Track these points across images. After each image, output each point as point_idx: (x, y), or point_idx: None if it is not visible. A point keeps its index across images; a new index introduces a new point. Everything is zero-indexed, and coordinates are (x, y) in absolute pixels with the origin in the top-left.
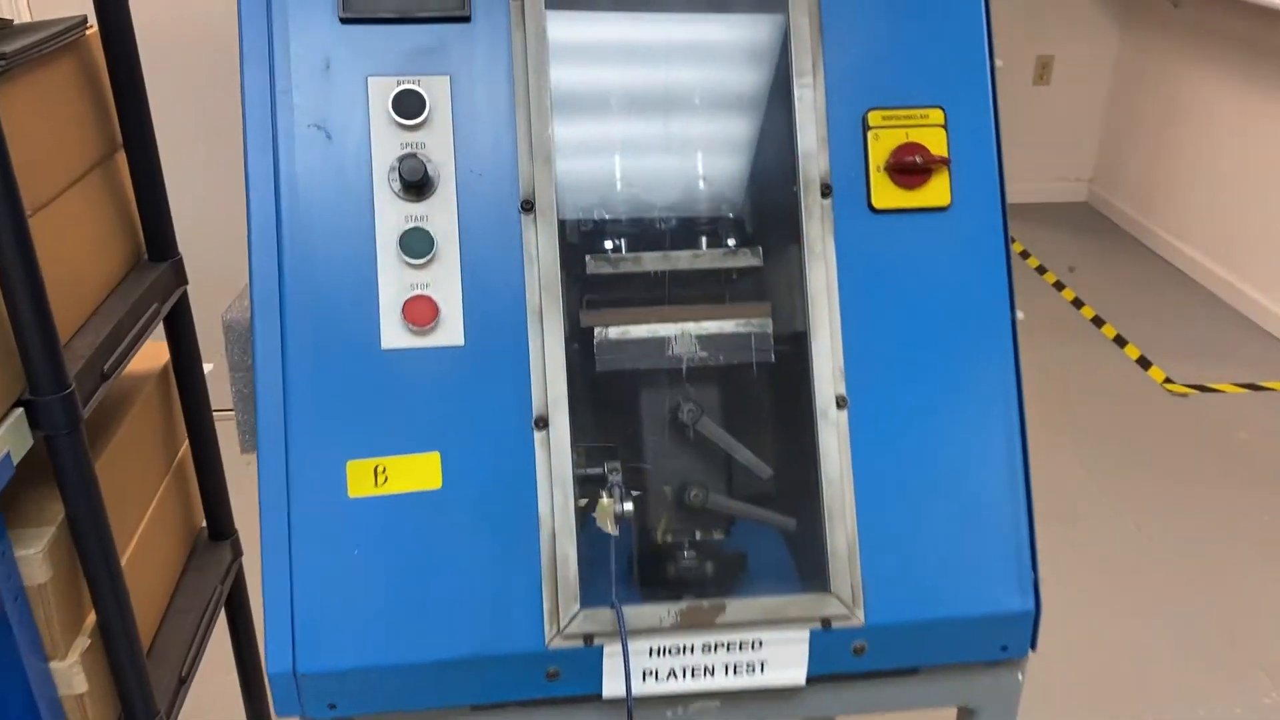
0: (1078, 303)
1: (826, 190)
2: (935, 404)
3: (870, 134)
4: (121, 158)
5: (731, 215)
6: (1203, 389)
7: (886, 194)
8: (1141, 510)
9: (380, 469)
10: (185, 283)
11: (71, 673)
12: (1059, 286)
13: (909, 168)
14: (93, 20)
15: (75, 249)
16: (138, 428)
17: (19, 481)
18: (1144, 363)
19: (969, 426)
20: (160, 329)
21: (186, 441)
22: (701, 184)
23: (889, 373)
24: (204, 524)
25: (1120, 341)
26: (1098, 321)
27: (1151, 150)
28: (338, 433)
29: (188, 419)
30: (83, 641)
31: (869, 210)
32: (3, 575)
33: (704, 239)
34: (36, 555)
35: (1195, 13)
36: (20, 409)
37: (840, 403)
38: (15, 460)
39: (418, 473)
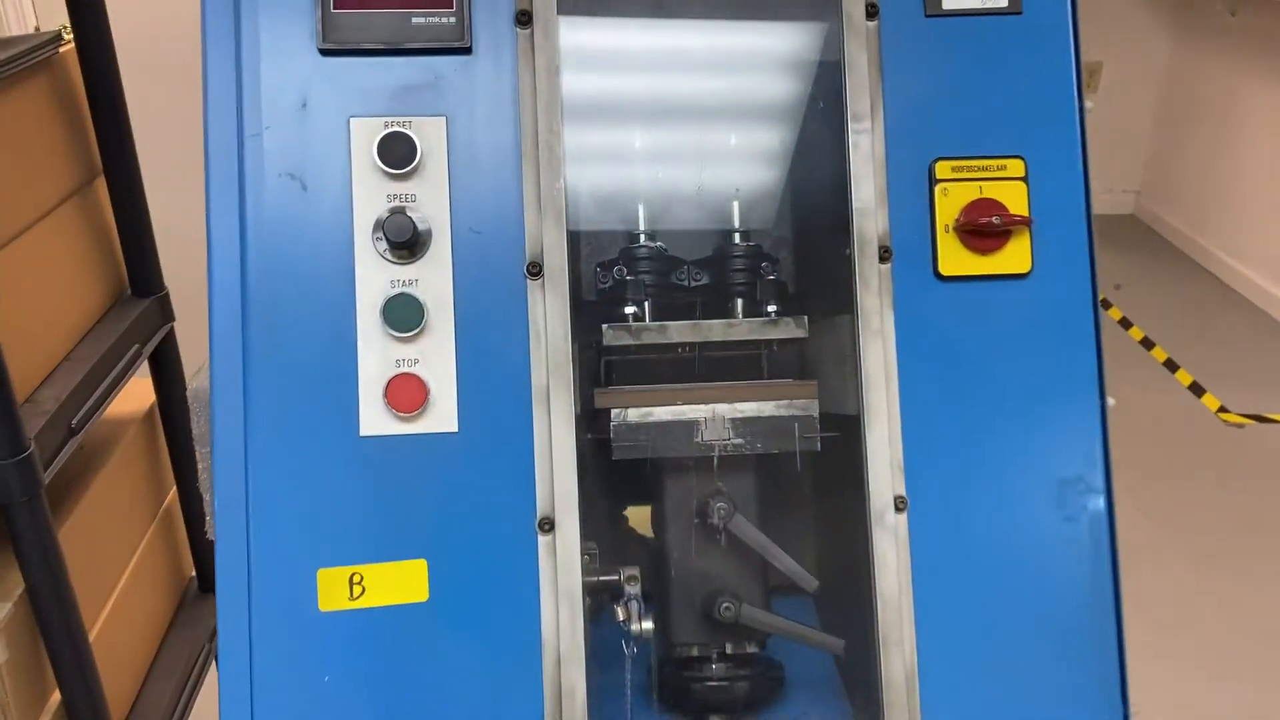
0: (1125, 323)
1: (885, 254)
2: (1011, 508)
3: (937, 188)
4: (101, 185)
5: (773, 277)
6: (1260, 419)
7: (956, 259)
8: (1196, 553)
9: (356, 578)
10: (171, 319)
11: None
12: (1105, 305)
13: (983, 229)
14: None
15: (44, 289)
16: (117, 477)
17: None
18: (1196, 389)
19: (1051, 535)
20: (146, 367)
21: (175, 487)
22: (737, 240)
23: (957, 470)
24: (193, 574)
25: (1171, 366)
26: (1147, 344)
27: (1204, 162)
28: (307, 535)
29: (175, 463)
30: None
31: (935, 277)
32: None
33: (739, 304)
34: None
35: (1254, 20)
36: None
37: (899, 504)
38: None
39: (400, 583)
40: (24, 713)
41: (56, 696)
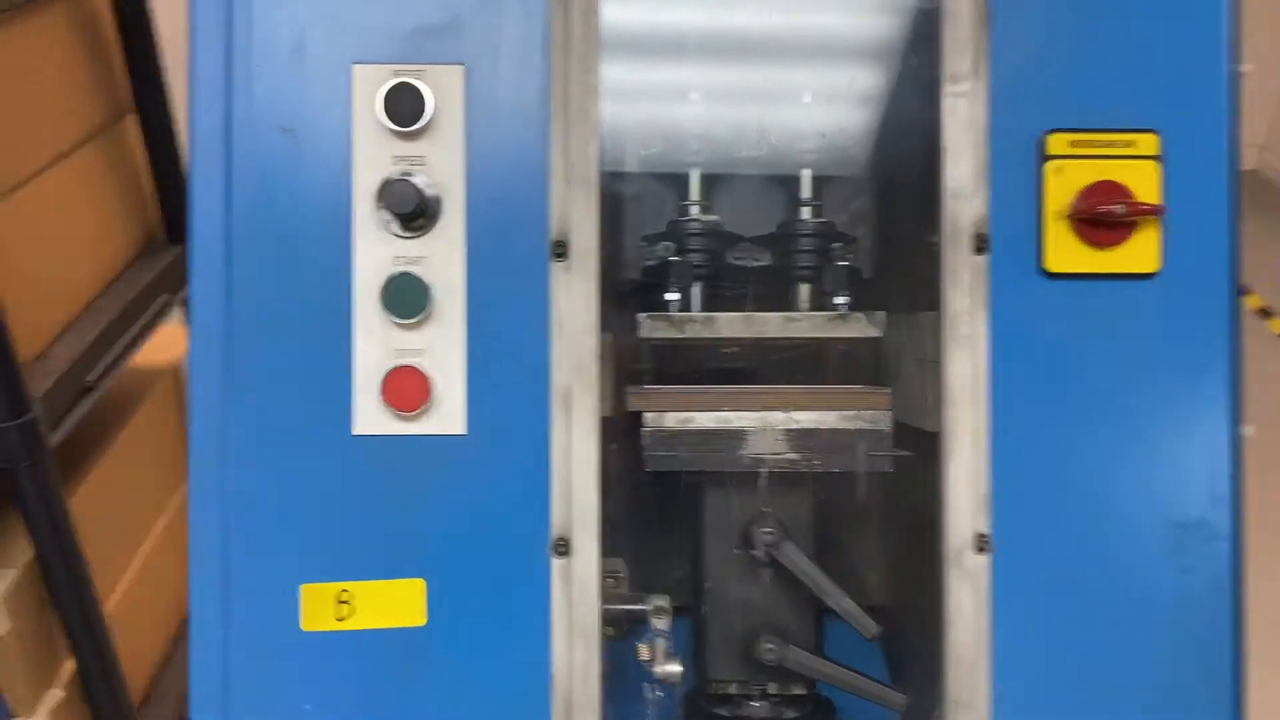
0: (1265, 312)
1: (982, 243)
2: (1116, 555)
3: (1049, 166)
4: (131, 123)
5: (845, 261)
6: None
7: (1067, 252)
8: None
9: (344, 596)
10: None
11: None
12: (1242, 291)
13: (1103, 218)
14: None
15: (61, 236)
16: (144, 434)
17: None
18: None
19: (1162, 589)
20: (181, 316)
21: None
22: (806, 214)
23: (1054, 506)
24: None
25: None
26: (1264, 313)
27: None
28: (290, 544)
29: None
30: (54, 695)
31: (1040, 274)
32: None
33: (804, 291)
34: None
35: None
36: None
37: (981, 544)
38: None
39: (394, 604)
40: (33, 684)
41: (71, 665)
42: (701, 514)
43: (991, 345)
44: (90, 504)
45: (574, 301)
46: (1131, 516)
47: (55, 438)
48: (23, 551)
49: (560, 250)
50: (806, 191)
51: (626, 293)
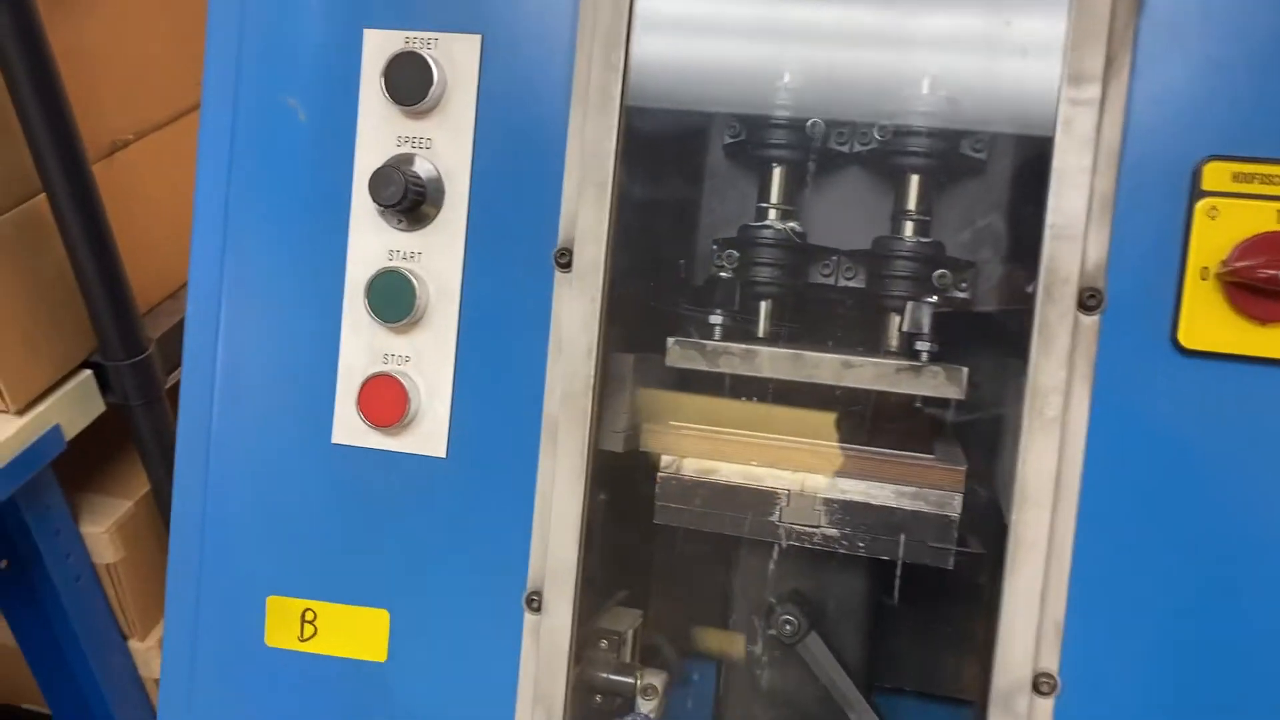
0: None
1: (1093, 300)
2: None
3: (1201, 205)
4: None
5: (933, 298)
6: None
7: (1213, 323)
8: None
9: (309, 615)
10: None
11: (151, 655)
12: None
13: (1271, 284)
14: None
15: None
16: None
17: (104, 443)
18: None
19: None
20: None
21: None
22: (909, 230)
23: (1150, 650)
24: None
25: None
26: None
27: None
28: (262, 552)
29: None
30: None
31: (1172, 347)
32: (59, 556)
33: (893, 327)
34: (103, 534)
35: None
36: (87, 371)
37: (1043, 685)
38: (70, 433)
39: (357, 633)
40: (144, 611)
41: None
42: (727, 574)
43: (1092, 431)
44: None
45: (574, 320)
46: (1257, 677)
47: (170, 380)
48: (139, 486)
49: (564, 259)
50: (911, 200)
51: (688, 302)
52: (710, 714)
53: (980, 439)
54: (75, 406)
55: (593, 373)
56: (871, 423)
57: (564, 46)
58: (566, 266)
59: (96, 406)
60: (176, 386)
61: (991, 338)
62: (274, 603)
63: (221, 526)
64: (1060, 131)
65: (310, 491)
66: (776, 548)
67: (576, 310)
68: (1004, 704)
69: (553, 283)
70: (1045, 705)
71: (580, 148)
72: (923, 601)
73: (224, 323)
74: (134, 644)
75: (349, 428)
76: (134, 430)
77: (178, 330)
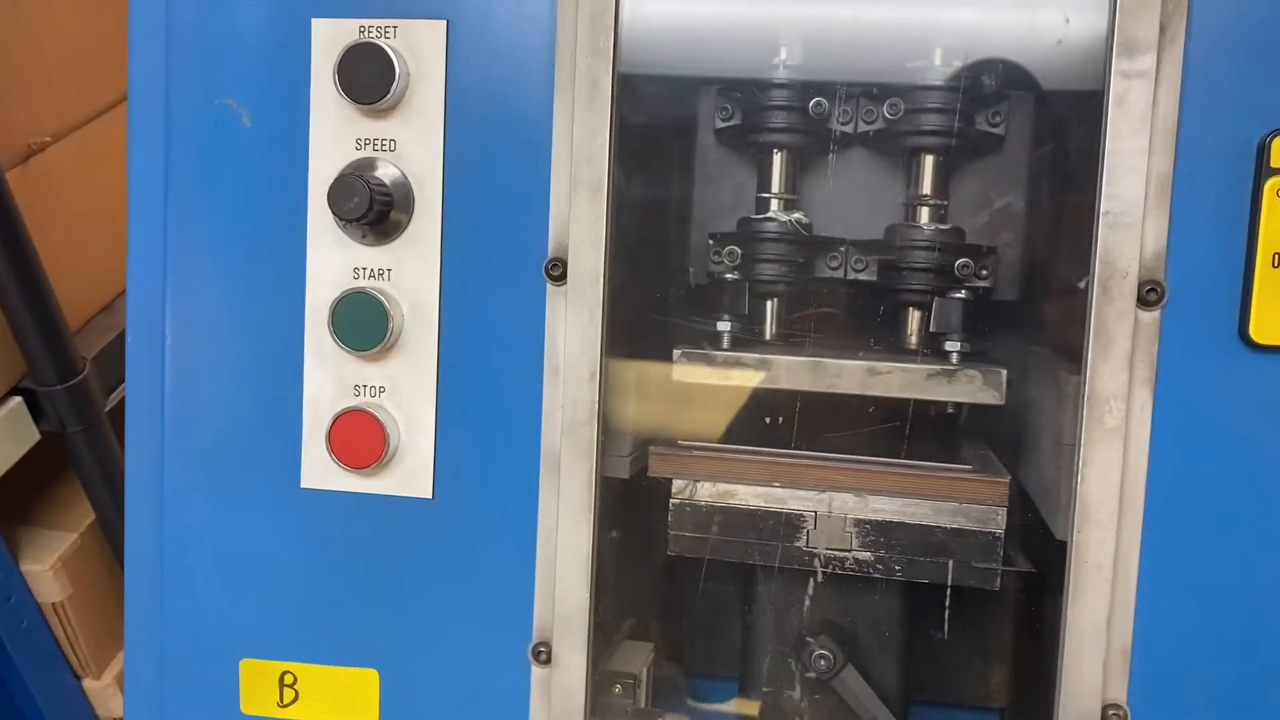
0: None
1: (1154, 294)
2: None
3: (1270, 185)
4: None
5: (971, 286)
6: None
7: None
8: None
9: (289, 678)
10: None
11: (109, 694)
12: None
13: None
14: None
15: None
16: None
17: (42, 473)
18: None
19: None
20: None
21: None
22: (925, 217)
23: (1226, 678)
24: None
25: None
26: None
27: None
28: (231, 612)
29: None
30: (122, 658)
31: (1242, 342)
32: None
33: (912, 323)
34: (47, 571)
35: None
36: (18, 398)
37: (1113, 717)
38: (2, 467)
39: (343, 695)
40: (97, 647)
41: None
42: (750, 607)
43: (1155, 439)
44: None
45: (573, 339)
46: None
47: (112, 400)
48: (83, 516)
49: (557, 271)
50: (926, 183)
51: (690, 303)
52: None
53: (1005, 437)
54: (6, 437)
55: (597, 398)
56: (885, 425)
57: (542, 30)
58: (560, 279)
59: (30, 435)
60: (120, 406)
61: (1021, 328)
62: (248, 665)
63: (184, 584)
64: (1112, 108)
65: (281, 542)
66: (804, 574)
67: (575, 328)
68: None
69: (545, 297)
70: None
71: (569, 145)
72: (954, 615)
73: (170, 356)
74: (89, 683)
75: (320, 470)
76: (74, 458)
77: (116, 346)
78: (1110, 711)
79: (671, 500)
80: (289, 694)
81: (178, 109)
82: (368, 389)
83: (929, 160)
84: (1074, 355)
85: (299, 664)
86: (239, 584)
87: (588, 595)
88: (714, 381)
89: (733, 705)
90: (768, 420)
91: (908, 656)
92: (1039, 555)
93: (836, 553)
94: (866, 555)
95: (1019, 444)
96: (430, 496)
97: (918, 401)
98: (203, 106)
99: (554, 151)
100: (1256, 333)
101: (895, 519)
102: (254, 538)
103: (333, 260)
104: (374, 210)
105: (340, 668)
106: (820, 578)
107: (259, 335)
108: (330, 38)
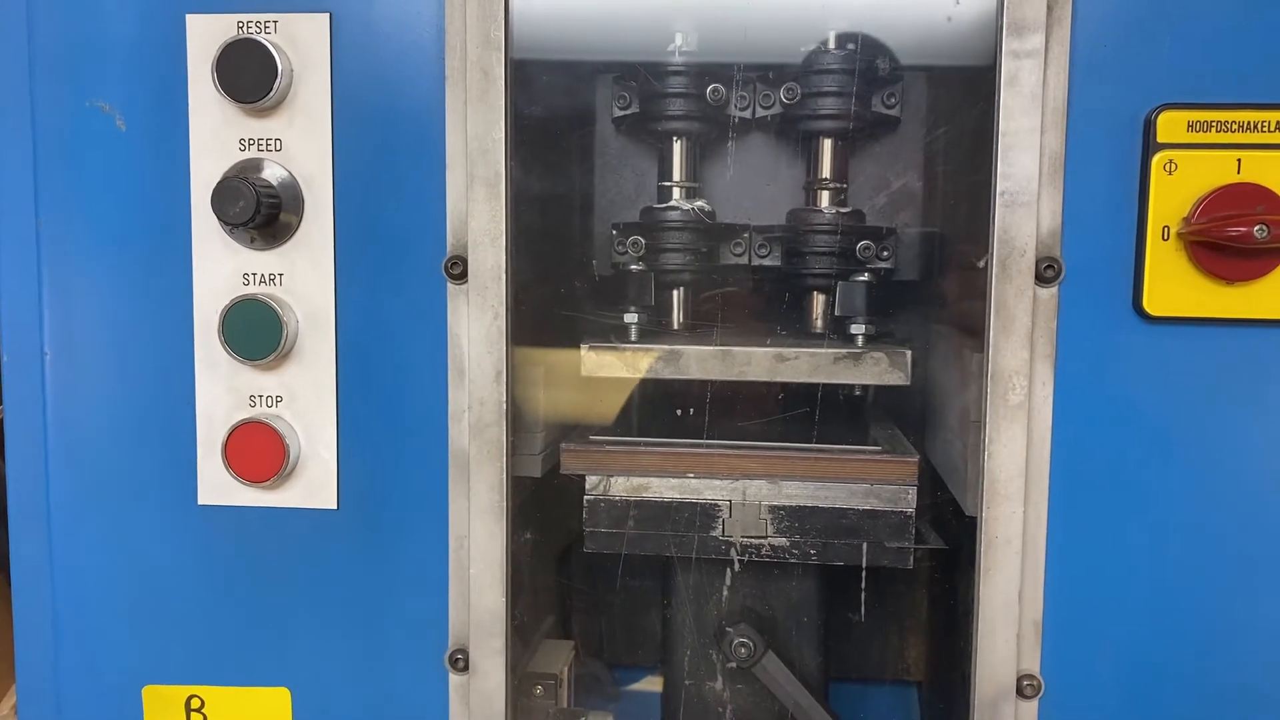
0: None
1: (1051, 270)
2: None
3: (1158, 159)
4: None
5: (873, 269)
6: None
7: (1179, 286)
8: None
9: (195, 703)
10: None
11: None
12: None
13: (1236, 241)
14: None
15: None
16: None
17: None
18: None
19: None
20: None
21: None
22: (825, 201)
23: (1133, 641)
24: None
25: None
26: None
27: None
28: (130, 637)
29: None
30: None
31: (1137, 316)
32: None
33: (817, 307)
34: None
35: None
36: None
37: (1027, 688)
38: None
39: (254, 716)
40: None
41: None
42: (669, 600)
43: (1057, 414)
44: None
45: (476, 339)
46: (1244, 660)
47: None
48: None
49: (457, 269)
50: (825, 167)
51: (594, 300)
52: None
53: (911, 415)
54: None
55: (504, 398)
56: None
57: (430, 21)
58: (460, 277)
59: None
60: None
61: (923, 308)
62: (151, 693)
63: (77, 611)
64: (1004, 88)
65: (179, 562)
66: (721, 564)
67: (478, 327)
68: (990, 712)
69: (445, 297)
70: (1029, 708)
71: (463, 139)
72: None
73: (50, 374)
74: None
75: (217, 486)
76: None
77: None
78: (1024, 682)
79: (585, 497)
80: (196, 718)
81: (44, 113)
82: (264, 399)
83: (827, 144)
84: (976, 333)
85: (206, 687)
86: (136, 608)
87: (503, 600)
88: (623, 374)
89: (654, 685)
90: (678, 411)
91: (826, 638)
92: (949, 532)
93: (752, 540)
94: (782, 541)
95: (925, 422)
96: (335, 507)
97: (825, 385)
98: (72, 109)
99: (448, 146)
100: (1150, 305)
101: (809, 503)
102: (150, 559)
103: (220, 267)
104: (261, 213)
105: (250, 688)
106: (737, 566)
107: (145, 348)
108: (206, 34)
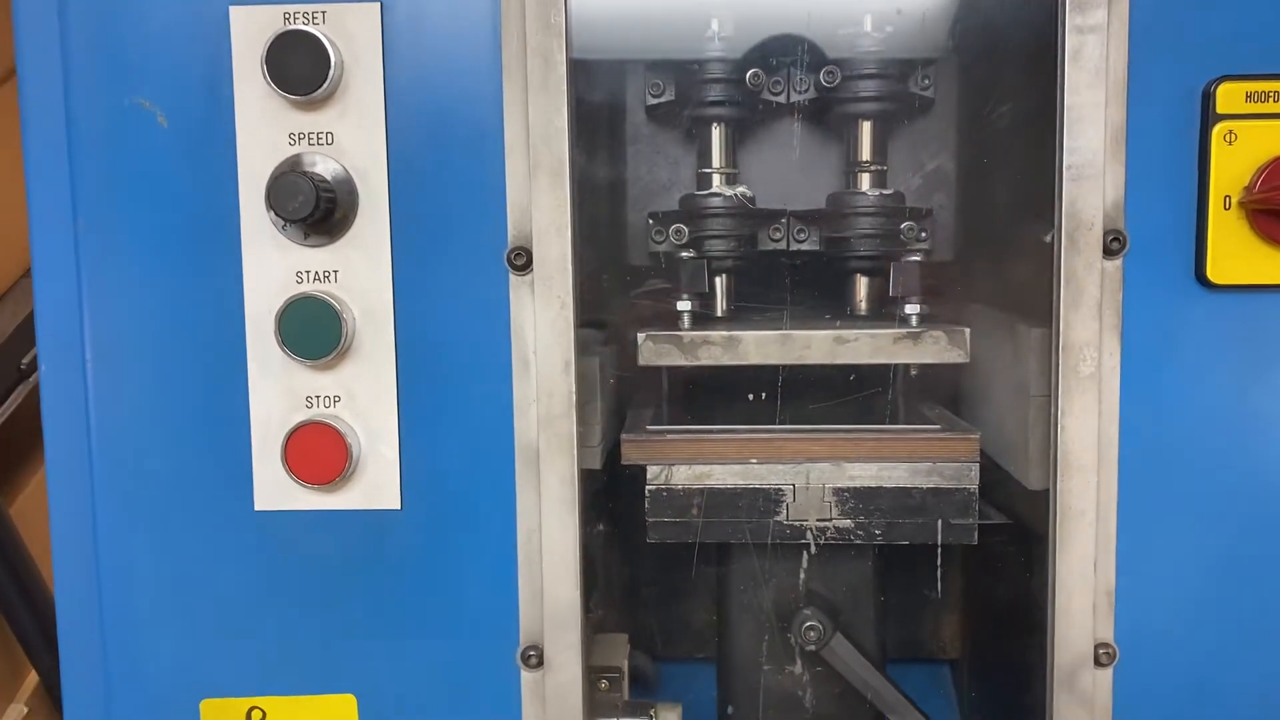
0: None
1: (1116, 243)
2: None
3: (1218, 130)
4: None
5: (921, 247)
6: None
7: (1241, 255)
8: None
9: (257, 715)
10: None
11: None
12: None
13: None
14: None
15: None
16: None
17: None
18: None
19: None
20: None
21: None
22: (866, 183)
23: (1208, 608)
24: None
25: None
26: None
27: None
28: (185, 650)
29: None
30: (17, 710)
31: (1200, 285)
32: None
33: (861, 290)
34: None
35: None
36: None
37: (1102, 657)
38: None
39: None
40: None
41: (34, 678)
42: (727, 588)
43: (1125, 384)
44: (37, 504)
45: (542, 329)
46: None
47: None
48: None
49: (521, 260)
50: (865, 150)
51: (628, 292)
52: None
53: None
54: None
55: (573, 388)
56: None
57: (484, 8)
58: (524, 268)
59: None
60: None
61: (958, 288)
62: (210, 706)
63: (128, 628)
64: (1069, 62)
65: (235, 570)
66: (785, 549)
67: (544, 318)
68: (1068, 682)
69: (508, 288)
70: (1105, 676)
71: (523, 128)
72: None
73: (92, 382)
74: None
75: (275, 490)
76: None
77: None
78: (1100, 650)
79: (647, 487)
80: None
81: (81, 111)
82: (321, 399)
83: (866, 126)
84: (1030, 310)
85: (267, 698)
86: (191, 620)
87: (577, 593)
88: (681, 362)
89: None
90: (736, 398)
91: (883, 619)
92: (1004, 508)
93: (818, 523)
94: (847, 523)
95: (958, 401)
96: (399, 507)
97: (864, 370)
98: (111, 107)
99: (506, 135)
100: (1214, 274)
101: (872, 484)
102: (204, 568)
103: (272, 265)
104: (320, 208)
105: (313, 696)
106: (814, 549)
107: (193, 351)
108: (251, 26)
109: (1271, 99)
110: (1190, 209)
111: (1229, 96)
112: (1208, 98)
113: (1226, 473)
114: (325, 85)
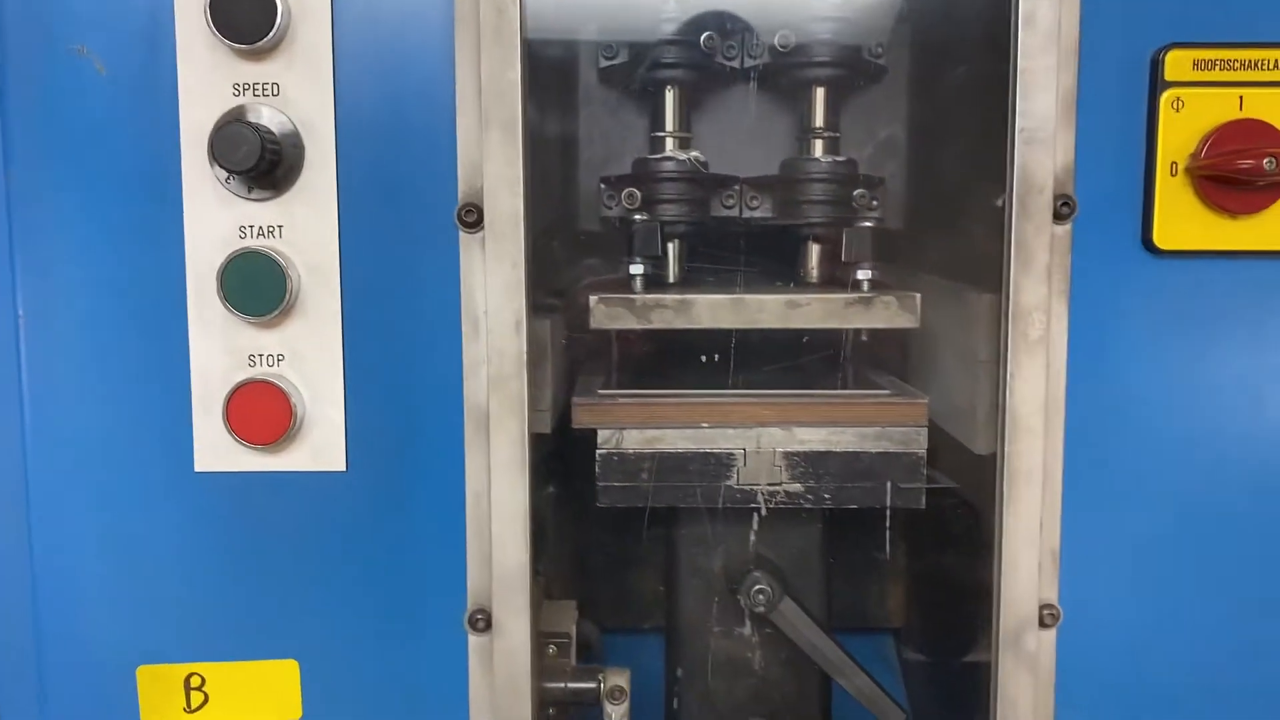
0: None
1: (1065, 207)
2: (1231, 632)
3: (1165, 97)
4: None
5: (873, 213)
6: None
7: (1187, 221)
8: None
9: (195, 680)
10: None
11: None
12: None
13: (1242, 175)
14: None
15: None
16: None
17: None
18: None
19: None
20: None
21: None
22: (819, 149)
23: (1148, 570)
24: None
25: None
26: None
27: None
28: (121, 615)
29: None
30: None
31: (1146, 250)
32: None
33: (813, 256)
34: None
35: None
36: None
37: (1047, 618)
38: None
39: (260, 692)
40: None
41: None
42: (676, 553)
43: (1072, 349)
44: None
45: (493, 288)
46: (1262, 584)
47: None
48: None
49: (471, 217)
50: (819, 116)
51: (580, 257)
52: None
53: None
54: None
55: (524, 349)
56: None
57: None
58: (474, 225)
59: None
60: None
61: (906, 257)
62: (146, 673)
63: (60, 589)
64: (1022, 28)
65: (173, 532)
66: (734, 513)
67: (495, 276)
68: (1013, 643)
69: (458, 246)
70: (1049, 637)
71: (474, 81)
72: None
73: (25, 338)
74: None
75: (215, 450)
76: None
77: None
78: (1045, 611)
79: (598, 451)
80: (197, 697)
81: (13, 57)
82: (264, 358)
83: (820, 93)
84: (979, 278)
85: (206, 664)
86: (128, 584)
87: (526, 556)
88: (634, 325)
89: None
90: (688, 365)
91: (830, 585)
92: (951, 474)
93: (767, 487)
94: (797, 487)
95: (915, 370)
96: (344, 469)
97: (816, 336)
98: (45, 53)
99: (458, 88)
100: (1160, 239)
101: (822, 448)
102: (141, 530)
103: (215, 219)
104: (265, 159)
105: (254, 662)
106: (757, 513)
107: (130, 307)
108: None
109: (1218, 67)
110: (1138, 175)
111: (1177, 64)
112: (1156, 65)
113: (1171, 436)
114: (272, 34)
